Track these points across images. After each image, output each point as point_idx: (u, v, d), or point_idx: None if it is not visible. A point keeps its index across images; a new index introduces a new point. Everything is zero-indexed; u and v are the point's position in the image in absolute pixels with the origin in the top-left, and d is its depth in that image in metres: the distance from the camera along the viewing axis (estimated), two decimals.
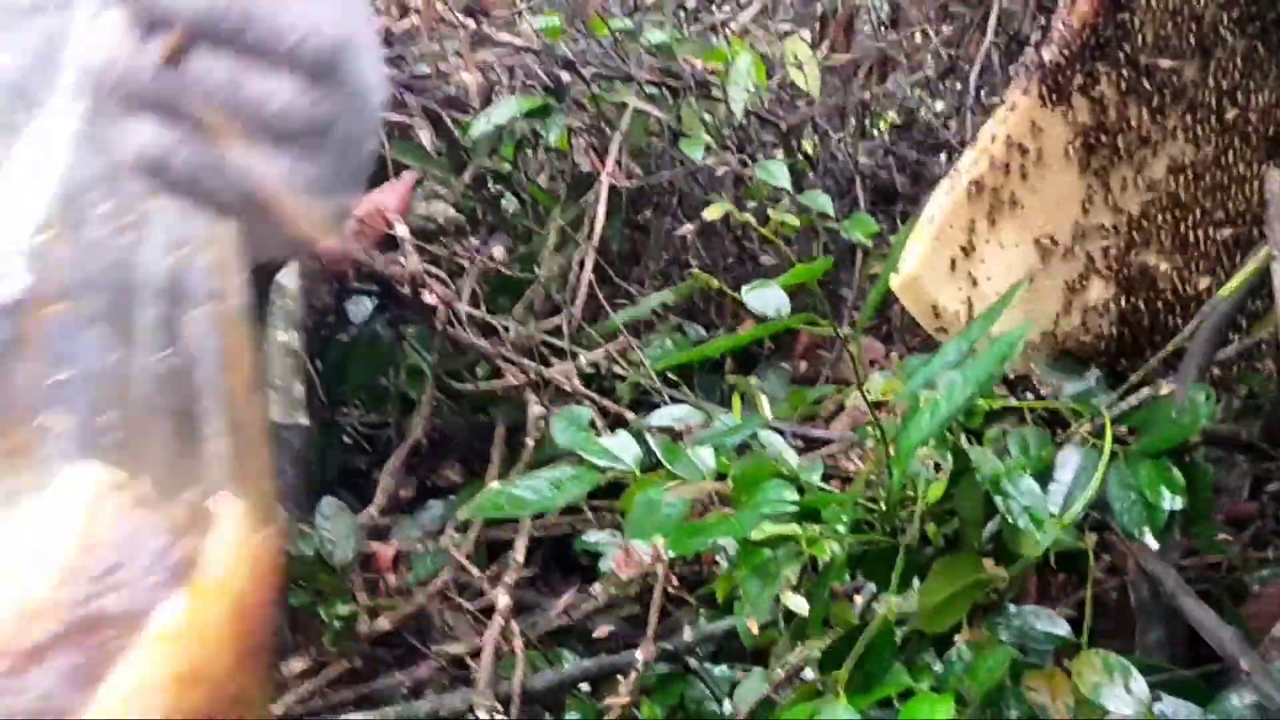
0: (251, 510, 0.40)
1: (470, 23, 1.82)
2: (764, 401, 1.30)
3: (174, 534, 0.39)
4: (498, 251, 2.09)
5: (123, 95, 0.39)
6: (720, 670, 1.45)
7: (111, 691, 0.36)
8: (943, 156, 2.22)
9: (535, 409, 1.74)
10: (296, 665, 1.44)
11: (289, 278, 0.82)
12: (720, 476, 1.14)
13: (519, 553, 1.67)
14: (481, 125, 1.87)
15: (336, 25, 0.41)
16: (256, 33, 0.39)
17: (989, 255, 1.16)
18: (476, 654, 1.50)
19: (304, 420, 0.79)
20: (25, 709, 0.34)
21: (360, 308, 1.99)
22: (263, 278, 0.49)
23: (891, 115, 2.40)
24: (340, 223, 0.54)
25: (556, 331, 1.78)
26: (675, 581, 1.60)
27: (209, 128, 0.38)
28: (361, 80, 0.44)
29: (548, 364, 1.79)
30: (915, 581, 1.01)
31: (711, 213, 1.47)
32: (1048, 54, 1.10)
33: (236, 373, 0.41)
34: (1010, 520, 0.94)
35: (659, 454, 1.23)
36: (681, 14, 2.36)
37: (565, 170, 2.09)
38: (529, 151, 2.25)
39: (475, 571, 1.64)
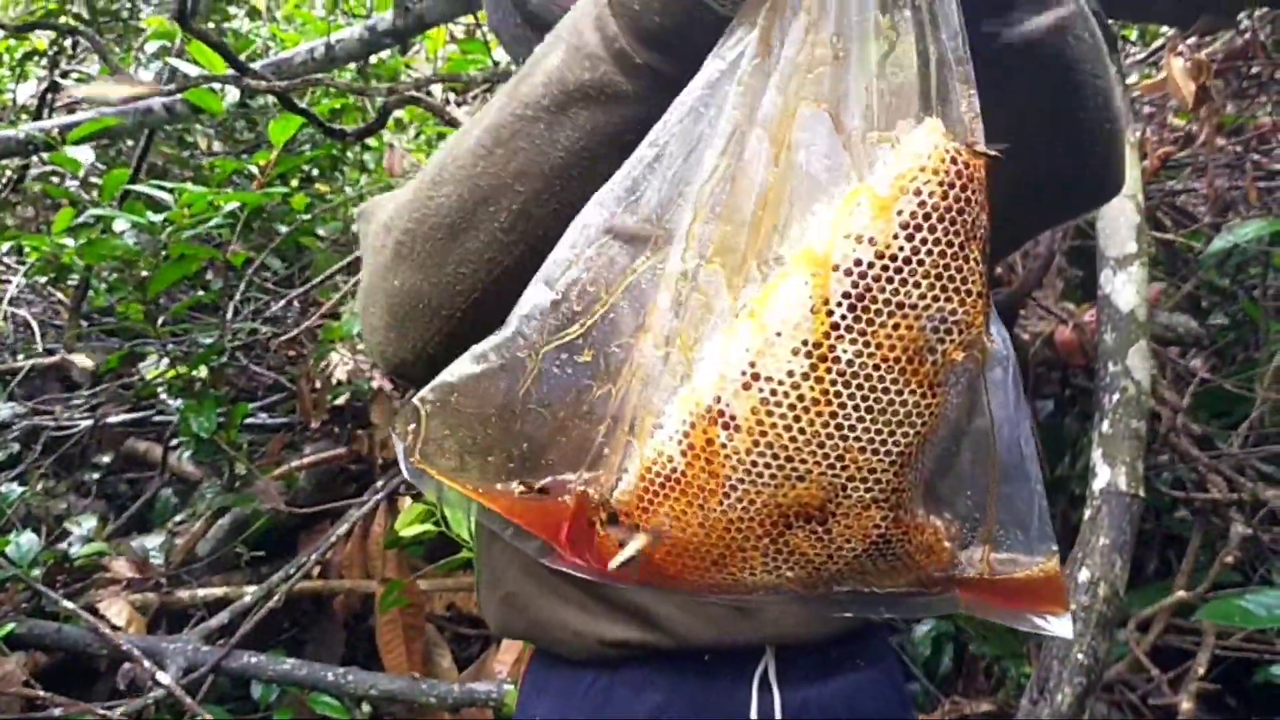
0: (944, 130, 0.52)
1: (1228, 147, 1.88)
2: None
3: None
4: (1196, 363, 2.11)
5: None
6: None
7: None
8: None
9: (1239, 528, 1.74)
10: (984, 706, 1.60)
11: (1140, 370, 0.99)
12: None
13: (1202, 664, 1.68)
14: (1222, 242, 1.91)
15: None
16: None
17: None
18: None
19: (1141, 492, 0.95)
20: None
21: (1044, 407, 2.15)
22: None
23: None
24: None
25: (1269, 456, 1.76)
26: None
27: None
28: None
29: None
30: None
31: None
32: None
33: None
34: None
35: None
36: None
37: None
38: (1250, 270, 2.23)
39: (1155, 671, 1.69)
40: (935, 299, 0.52)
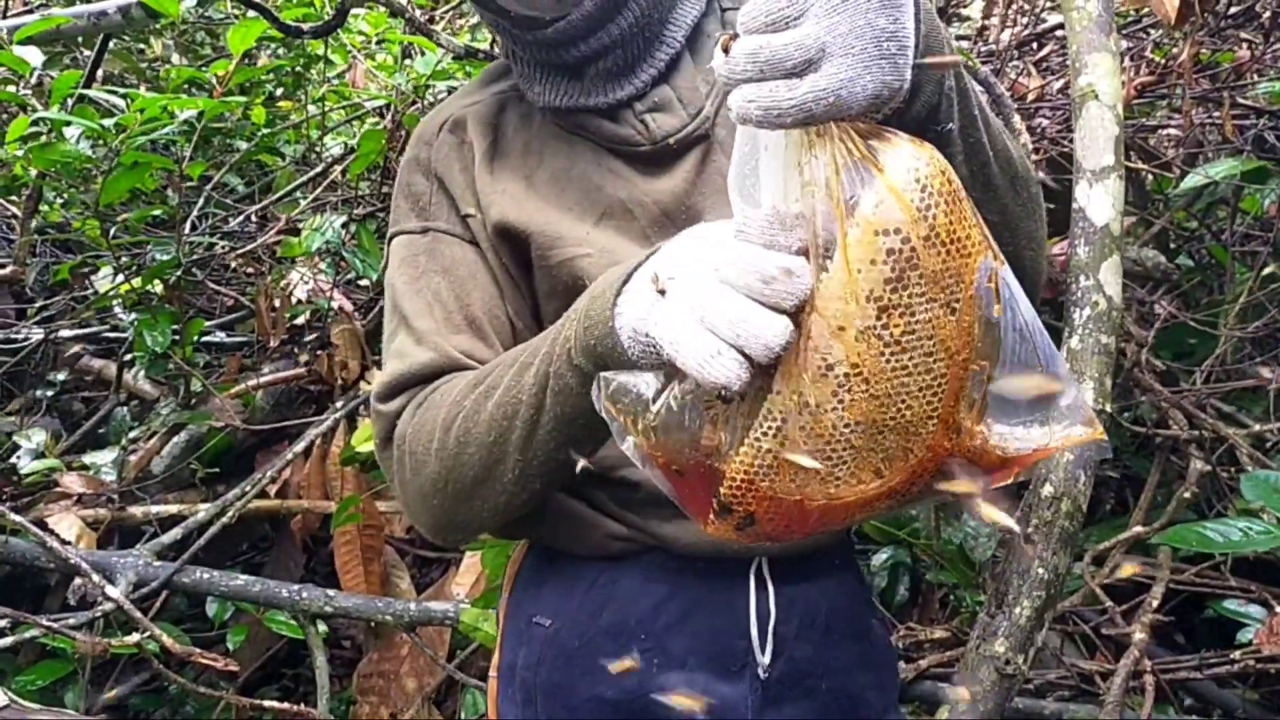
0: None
1: (1204, 83, 1.86)
2: None
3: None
4: (1162, 302, 2.11)
5: None
6: None
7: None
8: None
9: (1198, 465, 1.75)
10: (939, 633, 1.61)
11: (1112, 285, 0.98)
12: None
13: (1155, 596, 1.70)
14: (1194, 180, 1.90)
15: None
16: None
17: None
18: (1105, 676, 1.58)
19: (1109, 408, 0.94)
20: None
21: None
22: None
23: None
24: None
25: (1229, 395, 1.77)
26: None
27: None
28: None
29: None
30: None
31: None
32: None
33: None
34: None
35: None
36: None
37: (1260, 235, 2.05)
38: (1219, 211, 2.22)
39: (1108, 601, 1.70)
40: (953, 258, 0.60)
